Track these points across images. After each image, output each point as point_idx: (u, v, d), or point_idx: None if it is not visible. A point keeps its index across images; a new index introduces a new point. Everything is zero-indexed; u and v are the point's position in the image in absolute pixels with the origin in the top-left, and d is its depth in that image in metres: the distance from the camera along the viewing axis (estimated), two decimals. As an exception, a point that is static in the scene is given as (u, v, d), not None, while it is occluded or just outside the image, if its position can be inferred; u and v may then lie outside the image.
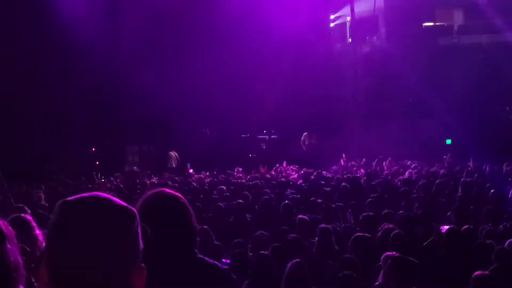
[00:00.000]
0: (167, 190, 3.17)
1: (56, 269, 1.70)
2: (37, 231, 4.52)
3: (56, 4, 22.67)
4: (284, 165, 21.10)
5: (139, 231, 1.79)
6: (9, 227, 2.36)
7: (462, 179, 14.84)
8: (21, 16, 23.18)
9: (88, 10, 22.58)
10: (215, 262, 3.13)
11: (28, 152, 22.22)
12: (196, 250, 3.09)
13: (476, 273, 6.21)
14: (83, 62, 23.11)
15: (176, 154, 24.64)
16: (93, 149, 25.35)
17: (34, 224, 4.62)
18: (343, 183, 14.57)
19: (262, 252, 7.44)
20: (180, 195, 3.13)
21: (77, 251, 1.67)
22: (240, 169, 20.37)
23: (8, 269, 2.23)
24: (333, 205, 11.14)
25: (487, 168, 17.34)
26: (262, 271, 7.02)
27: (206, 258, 3.10)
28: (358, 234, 8.35)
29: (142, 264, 1.77)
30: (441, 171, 17.63)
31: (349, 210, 11.89)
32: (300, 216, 10.01)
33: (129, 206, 1.79)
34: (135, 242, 1.76)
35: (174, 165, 24.54)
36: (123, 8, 25.00)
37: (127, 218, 1.76)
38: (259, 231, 9.12)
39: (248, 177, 18.81)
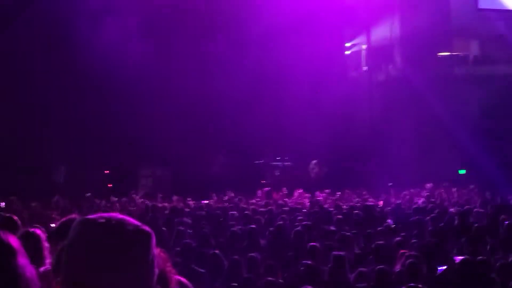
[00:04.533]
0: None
1: (71, 286, 1.71)
2: (46, 244, 4.50)
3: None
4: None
5: (155, 252, 1.81)
6: (17, 241, 2.37)
7: (475, 209, 14.72)
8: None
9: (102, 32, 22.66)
10: None
11: (44, 174, 22.27)
12: None
13: None
14: (97, 82, 23.13)
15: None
16: (106, 171, 25.35)
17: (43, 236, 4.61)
18: (355, 211, 14.51)
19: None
20: None
21: (94, 269, 1.69)
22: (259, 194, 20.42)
23: (26, 285, 2.23)
24: (347, 233, 11.09)
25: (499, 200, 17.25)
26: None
27: None
28: (380, 267, 8.22)
29: (159, 286, 1.78)
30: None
31: (359, 236, 11.81)
32: (311, 243, 9.97)
33: (147, 228, 1.81)
34: (151, 263, 1.78)
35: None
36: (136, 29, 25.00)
37: (144, 239, 1.78)
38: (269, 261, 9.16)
39: (257, 200, 18.83)
